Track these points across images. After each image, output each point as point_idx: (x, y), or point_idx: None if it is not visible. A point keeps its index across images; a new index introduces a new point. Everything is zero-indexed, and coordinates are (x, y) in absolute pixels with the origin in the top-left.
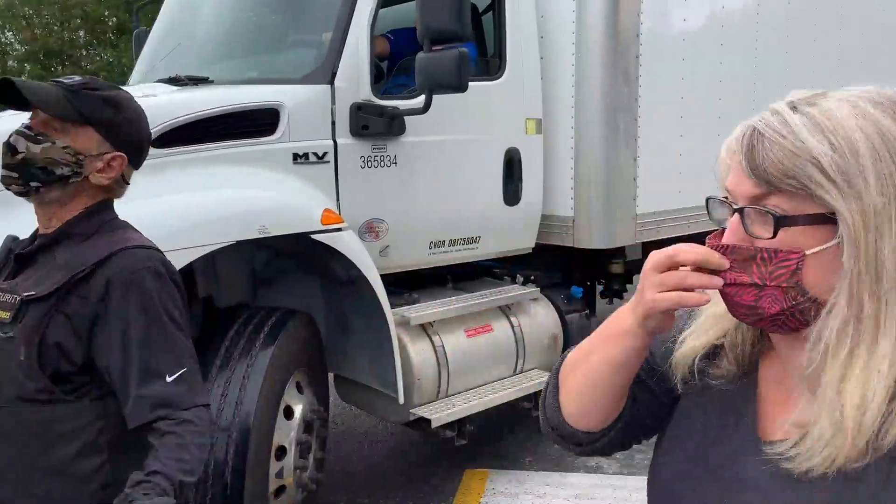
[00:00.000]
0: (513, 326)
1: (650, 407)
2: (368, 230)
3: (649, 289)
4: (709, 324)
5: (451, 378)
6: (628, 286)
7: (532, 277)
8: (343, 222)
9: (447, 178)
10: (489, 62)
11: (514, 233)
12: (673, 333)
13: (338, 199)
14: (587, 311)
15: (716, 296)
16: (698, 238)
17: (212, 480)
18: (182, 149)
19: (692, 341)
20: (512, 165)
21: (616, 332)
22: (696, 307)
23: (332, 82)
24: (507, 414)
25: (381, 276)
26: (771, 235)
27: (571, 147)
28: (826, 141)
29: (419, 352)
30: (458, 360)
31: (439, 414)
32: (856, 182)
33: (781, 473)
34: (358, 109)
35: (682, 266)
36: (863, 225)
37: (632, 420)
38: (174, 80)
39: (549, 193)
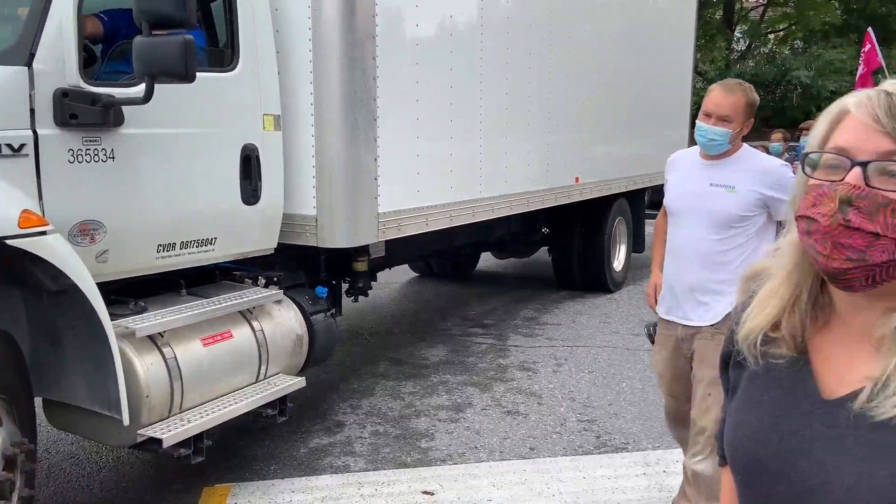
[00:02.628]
0: (254, 331)
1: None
2: (82, 233)
3: None
4: (765, 300)
5: (185, 391)
6: (373, 283)
7: (275, 279)
8: (48, 225)
9: (176, 175)
10: (222, 53)
11: (253, 233)
12: (739, 314)
13: (41, 199)
14: (333, 311)
15: (777, 268)
16: (435, 234)
17: None
18: None
19: (751, 321)
20: (249, 162)
21: None
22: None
23: (29, 64)
24: (251, 423)
25: (101, 284)
26: None
27: (313, 145)
28: None
29: (147, 366)
30: (193, 372)
31: (172, 432)
32: None
33: (855, 424)
34: (64, 96)
35: None
36: None
37: None
38: None
39: (291, 192)
